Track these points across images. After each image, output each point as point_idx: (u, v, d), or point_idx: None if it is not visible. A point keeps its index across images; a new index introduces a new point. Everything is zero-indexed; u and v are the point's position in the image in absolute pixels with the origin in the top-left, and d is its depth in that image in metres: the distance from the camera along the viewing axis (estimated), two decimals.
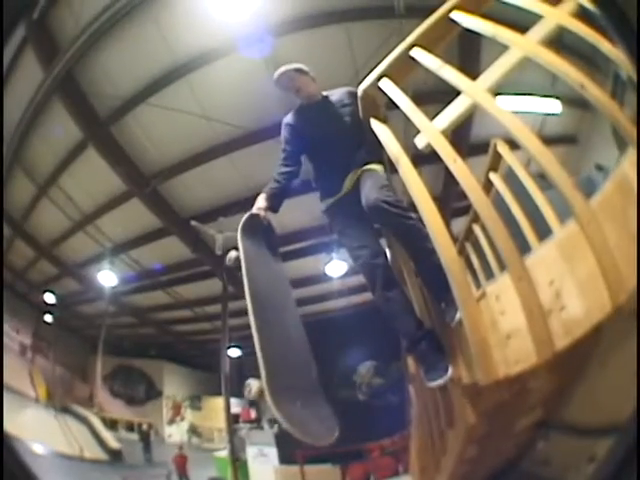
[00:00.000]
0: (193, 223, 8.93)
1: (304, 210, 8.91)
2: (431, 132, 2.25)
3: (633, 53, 1.39)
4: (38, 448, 10.27)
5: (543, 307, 1.61)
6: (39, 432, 11.39)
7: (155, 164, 8.82)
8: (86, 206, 10.04)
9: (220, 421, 17.31)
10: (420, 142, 2.35)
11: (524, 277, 1.69)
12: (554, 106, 6.27)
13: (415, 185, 2.26)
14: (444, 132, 2.26)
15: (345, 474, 7.81)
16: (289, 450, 8.47)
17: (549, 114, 6.31)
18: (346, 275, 9.79)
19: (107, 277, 11.90)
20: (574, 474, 2.13)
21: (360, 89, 2.85)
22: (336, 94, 3.35)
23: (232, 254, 3.16)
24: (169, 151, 8.59)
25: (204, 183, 9.02)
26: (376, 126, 2.74)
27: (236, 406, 17.27)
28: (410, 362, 4.14)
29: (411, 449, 5.37)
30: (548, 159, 1.72)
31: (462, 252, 4.19)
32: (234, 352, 14.09)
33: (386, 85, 2.63)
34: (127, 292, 13.37)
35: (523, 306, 1.65)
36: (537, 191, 2.98)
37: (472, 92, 2.16)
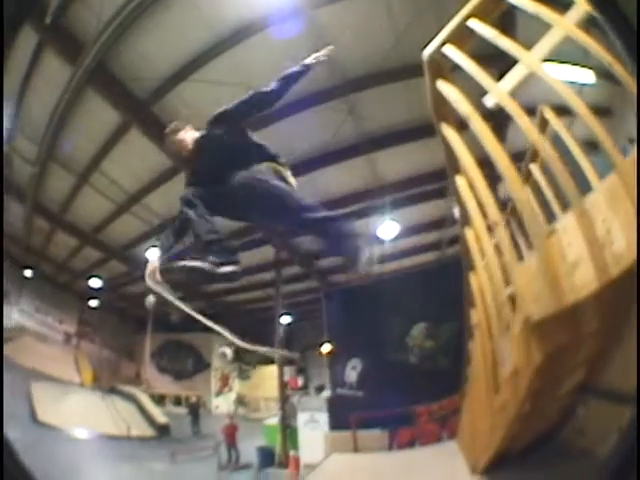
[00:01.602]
0: None
1: (354, 174, 9.22)
2: (498, 92, 2.68)
3: (633, 53, 1.67)
4: (81, 433, 11.06)
5: (599, 240, 2.01)
6: (84, 417, 12.12)
7: None
8: (132, 187, 10.47)
9: (267, 390, 18.44)
10: (489, 101, 2.78)
11: (585, 214, 2.10)
12: (588, 76, 6.33)
13: (486, 135, 2.74)
14: (509, 93, 2.67)
15: (393, 439, 8.11)
16: (340, 415, 8.99)
17: (584, 84, 6.38)
18: (398, 237, 10.01)
19: (156, 254, 12.03)
20: (604, 444, 2.35)
21: (425, 54, 3.22)
22: (205, 132, 3.53)
23: (150, 299, 3.60)
24: None
25: None
26: (443, 87, 3.12)
27: (284, 375, 18.53)
28: (472, 316, 4.37)
29: (463, 411, 5.56)
30: (595, 123, 2.12)
31: None
32: (284, 319, 14.51)
33: (450, 51, 3.00)
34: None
35: (585, 239, 2.05)
36: (580, 154, 3.30)
37: (528, 61, 2.58)
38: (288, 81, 3.42)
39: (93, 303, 20.16)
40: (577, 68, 6.17)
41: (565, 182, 2.25)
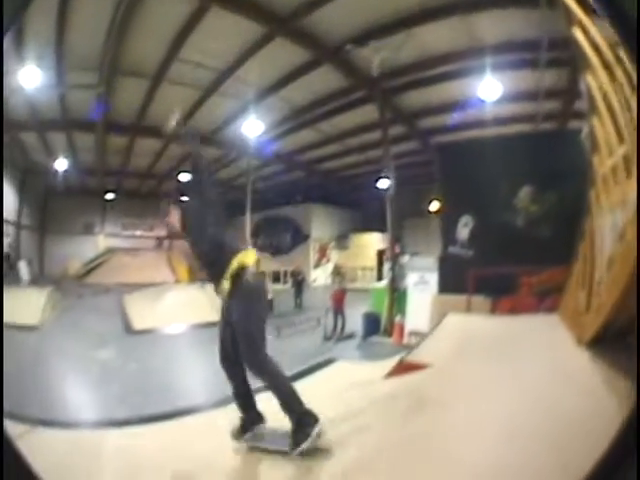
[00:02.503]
0: (348, 47, 9.26)
1: (452, 33, 9.09)
2: None
3: (633, 52, 1.60)
4: (179, 328, 11.30)
5: None
6: (181, 312, 12.31)
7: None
8: (220, 63, 10.34)
9: (365, 259, 19.44)
10: None
11: None
12: None
13: None
14: None
15: (495, 306, 8.45)
16: (452, 274, 9.26)
17: None
18: (502, 100, 9.83)
19: (252, 127, 11.76)
20: None
21: None
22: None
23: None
24: None
25: (349, 9, 8.92)
26: None
27: (382, 242, 18.56)
28: (595, 165, 4.40)
29: (573, 276, 5.46)
30: None
31: None
32: (383, 183, 14.34)
33: None
34: (274, 138, 13.80)
35: None
36: None
37: None
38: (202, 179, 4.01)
39: (184, 199, 21.12)
40: None
41: None
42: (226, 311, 3.63)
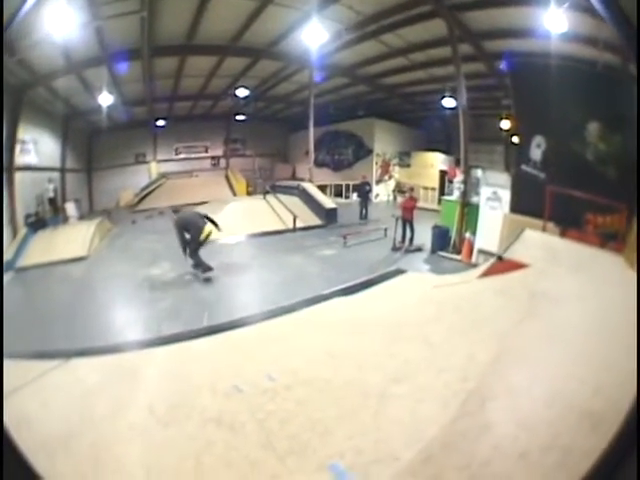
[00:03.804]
0: None
1: None
2: None
3: (633, 52, 1.49)
4: (234, 239, 11.54)
5: None
6: (241, 223, 12.59)
7: None
8: None
9: (427, 179, 19.13)
10: None
11: None
12: None
13: None
14: None
15: (563, 235, 8.43)
16: (524, 193, 9.15)
17: None
18: (565, 37, 9.00)
19: (314, 35, 10.80)
20: None
21: None
22: None
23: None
24: None
25: None
26: None
27: (443, 163, 18.75)
28: None
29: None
30: None
31: None
32: (449, 102, 14.43)
33: None
34: (336, 50, 13.29)
35: None
36: None
37: None
38: None
39: (240, 117, 20.88)
40: None
41: None
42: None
